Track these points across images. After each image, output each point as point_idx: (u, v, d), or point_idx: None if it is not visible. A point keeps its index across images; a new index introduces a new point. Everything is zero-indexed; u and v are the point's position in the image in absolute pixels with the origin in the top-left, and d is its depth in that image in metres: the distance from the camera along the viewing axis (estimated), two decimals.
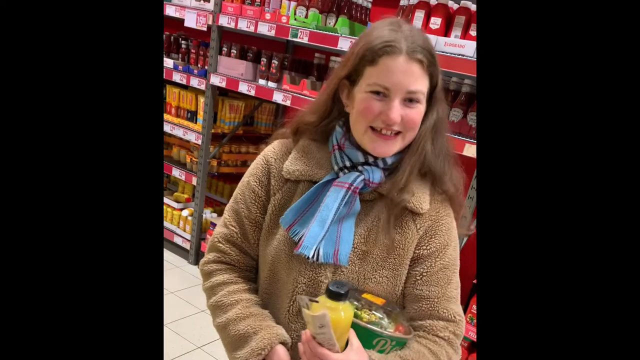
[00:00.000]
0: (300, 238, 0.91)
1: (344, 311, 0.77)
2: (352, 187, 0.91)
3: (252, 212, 1.00)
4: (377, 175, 0.92)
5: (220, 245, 1.02)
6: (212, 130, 2.84)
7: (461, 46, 1.73)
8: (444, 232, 0.95)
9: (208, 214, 2.98)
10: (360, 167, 0.93)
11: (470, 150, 1.76)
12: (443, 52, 1.76)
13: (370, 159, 0.92)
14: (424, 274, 0.93)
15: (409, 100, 0.87)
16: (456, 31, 1.79)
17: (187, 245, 2.99)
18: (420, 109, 0.89)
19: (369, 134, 0.89)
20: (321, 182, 0.93)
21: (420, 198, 0.93)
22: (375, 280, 0.92)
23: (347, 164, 0.93)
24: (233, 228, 1.02)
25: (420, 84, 0.88)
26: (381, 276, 0.92)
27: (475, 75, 1.71)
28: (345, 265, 0.91)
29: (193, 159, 3.02)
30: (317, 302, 0.78)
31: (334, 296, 0.77)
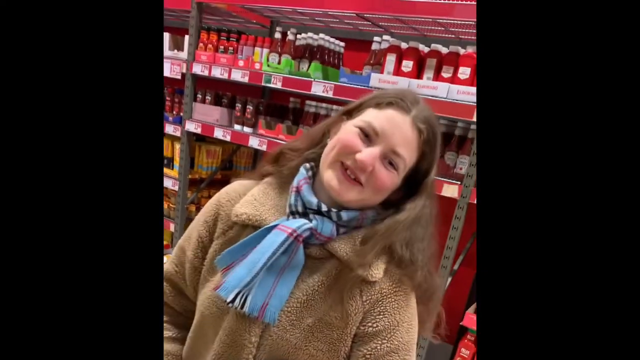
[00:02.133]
0: (224, 279, 0.81)
1: None
2: (295, 234, 0.80)
3: (192, 255, 0.92)
4: (327, 228, 0.83)
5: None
6: (190, 176, 2.80)
7: (434, 87, 1.75)
8: (395, 310, 0.83)
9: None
10: (311, 216, 0.84)
11: (449, 190, 1.75)
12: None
13: (324, 208, 0.83)
14: (368, 355, 0.81)
15: (389, 162, 0.82)
16: (428, 73, 1.81)
17: None
18: (394, 178, 0.83)
19: (336, 167, 0.82)
20: (267, 226, 0.84)
21: (372, 264, 0.82)
22: (308, 352, 0.80)
23: (300, 209, 0.84)
24: (174, 267, 0.96)
25: (408, 153, 0.83)
26: (315, 349, 0.80)
27: (450, 116, 1.72)
28: (273, 326, 0.80)
29: (170, 205, 2.96)
30: None
31: None
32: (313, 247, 0.84)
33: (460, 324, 1.90)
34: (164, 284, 0.97)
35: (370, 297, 0.82)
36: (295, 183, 0.87)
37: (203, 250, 0.92)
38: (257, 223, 0.86)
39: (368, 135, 0.82)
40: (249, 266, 0.80)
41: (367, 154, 0.80)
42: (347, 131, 0.84)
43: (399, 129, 0.82)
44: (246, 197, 0.90)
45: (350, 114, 0.88)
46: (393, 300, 0.83)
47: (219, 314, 0.84)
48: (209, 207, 0.95)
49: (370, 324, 0.82)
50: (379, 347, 0.81)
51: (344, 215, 0.84)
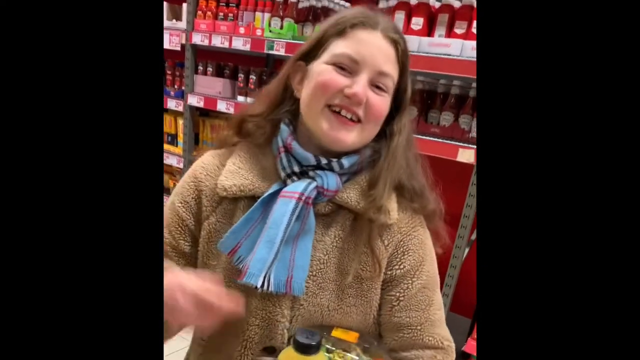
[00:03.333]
0: (245, 265, 0.74)
1: None
2: (304, 198, 0.74)
3: (177, 242, 0.83)
4: (332, 182, 0.76)
5: None
6: (195, 153, 2.72)
7: (446, 45, 1.62)
8: (418, 246, 0.81)
9: None
10: (311, 173, 0.77)
11: (464, 154, 1.64)
12: (427, 53, 1.65)
13: (323, 161, 0.76)
14: (401, 298, 0.79)
15: (377, 86, 0.75)
16: (440, 30, 1.69)
17: None
18: (386, 99, 0.77)
19: (325, 113, 0.75)
20: (266, 195, 0.76)
21: (387, 206, 0.78)
22: (342, 311, 0.77)
23: (296, 169, 0.77)
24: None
25: (393, 69, 0.76)
26: (348, 305, 0.78)
27: (464, 75, 1.61)
28: (302, 296, 0.76)
29: (176, 183, 2.89)
30: None
31: (304, 349, 0.62)
32: (320, 205, 0.79)
33: (462, 349, 1.80)
34: None
35: (391, 240, 0.80)
36: (280, 143, 0.80)
37: (190, 235, 0.83)
38: (250, 193, 0.79)
39: (346, 69, 0.75)
40: (267, 244, 0.74)
41: (358, 84, 0.73)
42: (321, 72, 0.76)
43: (377, 47, 0.75)
44: (227, 166, 0.81)
45: (308, 56, 0.80)
46: (414, 237, 0.81)
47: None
48: (185, 185, 0.85)
49: (397, 266, 0.80)
50: (410, 287, 0.80)
51: (345, 162, 0.78)
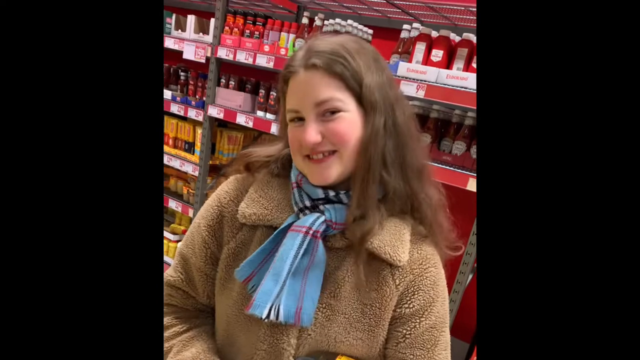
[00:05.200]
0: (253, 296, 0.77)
1: None
2: (312, 232, 0.76)
3: (201, 263, 0.87)
4: (340, 214, 0.78)
5: (166, 288, 0.92)
6: (210, 162, 2.79)
7: (464, 78, 1.69)
8: (429, 286, 0.81)
9: None
10: (322, 207, 0.79)
11: (474, 184, 1.70)
12: (445, 84, 1.72)
13: (331, 194, 0.78)
14: (407, 335, 0.80)
15: (329, 113, 0.75)
16: (458, 64, 1.75)
17: None
18: (345, 117, 0.75)
19: (305, 163, 0.78)
20: (280, 228, 0.79)
21: (398, 247, 0.78)
22: (349, 343, 0.79)
23: (307, 203, 0.79)
24: (180, 274, 0.90)
25: (328, 91, 0.74)
26: (355, 338, 0.79)
27: None
28: (310, 327, 0.78)
29: (190, 190, 2.96)
30: None
31: None
32: (333, 238, 0.80)
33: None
34: (172, 290, 0.92)
35: (403, 280, 0.80)
36: (293, 179, 0.83)
37: (212, 257, 0.87)
38: (268, 223, 0.82)
39: (297, 119, 0.78)
40: (274, 277, 0.76)
41: (305, 131, 0.75)
42: (288, 133, 0.80)
43: (304, 85, 0.75)
44: (249, 194, 0.85)
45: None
46: (425, 277, 0.81)
47: (248, 325, 0.81)
48: (210, 209, 0.88)
49: (406, 305, 0.80)
50: (417, 326, 0.80)
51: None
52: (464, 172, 1.74)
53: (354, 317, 0.79)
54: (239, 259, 0.83)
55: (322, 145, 0.76)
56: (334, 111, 0.75)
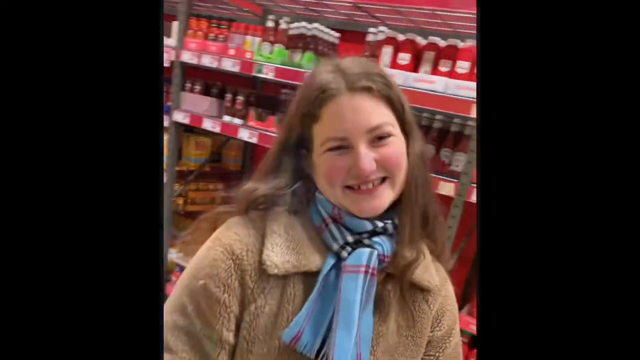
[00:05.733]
0: (322, 355, 0.68)
1: None
2: (370, 270, 0.70)
3: (221, 333, 0.71)
4: (388, 247, 0.73)
5: None
6: (177, 168, 2.72)
7: (431, 82, 1.69)
8: (452, 305, 0.82)
9: (173, 255, 2.83)
10: (366, 241, 0.73)
11: (445, 188, 1.70)
12: (412, 87, 1.71)
13: (379, 224, 0.72)
14: (440, 357, 0.81)
15: (378, 138, 0.71)
16: (425, 67, 1.75)
17: None
18: (396, 142, 0.72)
19: (347, 194, 0.72)
20: (325, 272, 0.71)
21: (430, 271, 0.77)
22: None
23: (350, 239, 0.73)
24: (186, 355, 0.71)
25: (381, 115, 0.71)
26: None
27: (446, 111, 1.67)
28: None
29: None
30: None
31: None
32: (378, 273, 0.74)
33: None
34: None
35: (434, 302, 0.80)
36: (324, 214, 0.75)
37: (234, 322, 0.73)
38: (303, 269, 0.72)
39: (341, 147, 0.71)
40: (346, 328, 0.68)
41: (360, 160, 0.69)
42: (323, 163, 0.72)
43: (352, 110, 0.70)
44: (271, 239, 0.73)
45: (305, 146, 0.75)
46: (449, 297, 0.83)
47: None
48: (220, 265, 0.72)
49: (437, 328, 0.81)
50: (447, 346, 0.82)
51: (397, 221, 0.75)
52: (434, 175, 1.74)
53: (399, 351, 0.77)
54: (271, 316, 0.72)
55: (374, 173, 0.71)
56: (383, 136, 0.71)
